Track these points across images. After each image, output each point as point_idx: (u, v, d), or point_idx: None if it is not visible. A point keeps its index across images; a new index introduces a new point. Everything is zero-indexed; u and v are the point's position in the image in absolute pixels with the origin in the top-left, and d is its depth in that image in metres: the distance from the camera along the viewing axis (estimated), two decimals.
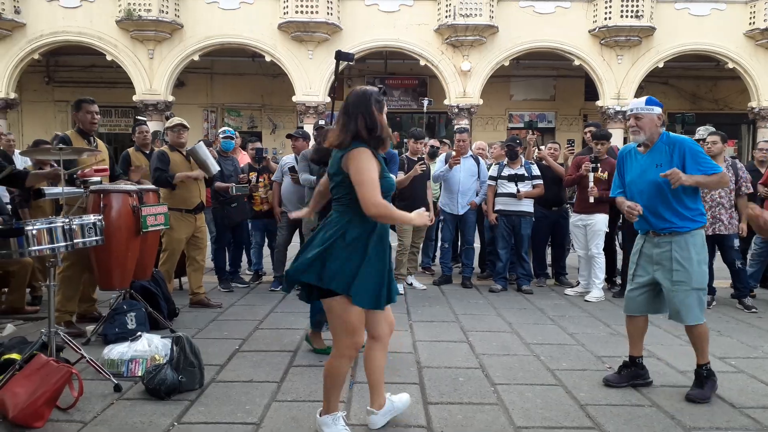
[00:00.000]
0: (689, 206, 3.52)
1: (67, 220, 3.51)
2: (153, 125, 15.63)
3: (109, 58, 17.64)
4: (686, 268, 3.46)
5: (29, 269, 5.46)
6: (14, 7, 16.96)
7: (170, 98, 18.05)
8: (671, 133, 3.65)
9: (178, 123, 5.69)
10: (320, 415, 2.93)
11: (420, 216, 2.79)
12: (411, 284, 6.84)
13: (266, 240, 7.19)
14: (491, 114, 20.25)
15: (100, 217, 3.88)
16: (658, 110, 3.59)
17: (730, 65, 17.95)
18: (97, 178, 4.25)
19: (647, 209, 3.57)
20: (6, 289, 5.50)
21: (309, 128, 13.96)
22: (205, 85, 20.51)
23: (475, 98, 17.96)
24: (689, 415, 3.25)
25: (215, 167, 5.67)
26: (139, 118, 17.96)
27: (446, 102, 18.19)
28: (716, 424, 3.15)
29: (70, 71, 19.79)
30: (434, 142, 8.79)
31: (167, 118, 9.50)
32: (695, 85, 20.45)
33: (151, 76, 17.70)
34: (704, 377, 3.55)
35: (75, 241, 3.60)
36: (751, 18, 17.52)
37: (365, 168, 2.62)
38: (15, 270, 5.27)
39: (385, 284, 2.80)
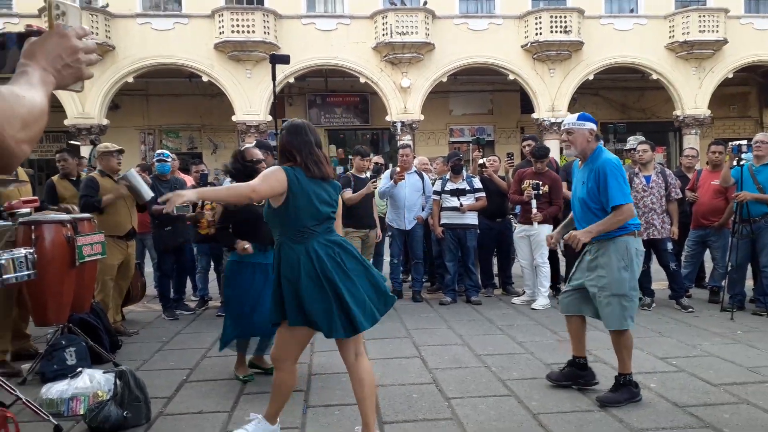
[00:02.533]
0: None
1: None
2: (86, 150, 15.13)
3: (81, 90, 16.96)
4: (606, 275, 3.59)
5: None
6: None
7: (105, 121, 17.52)
8: (605, 150, 3.74)
9: (118, 149, 5.53)
10: None
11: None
12: None
13: (212, 264, 7.02)
14: (432, 129, 20.59)
15: (31, 250, 3.70)
16: (590, 125, 3.69)
17: (654, 76, 18.92)
18: (26, 210, 4.05)
19: (578, 221, 3.78)
20: None
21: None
22: (141, 107, 20.00)
23: (416, 114, 18.22)
24: (636, 417, 3.35)
25: (149, 194, 5.52)
26: (72, 142, 17.37)
27: (388, 118, 18.37)
28: (661, 424, 3.26)
29: None
30: (378, 158, 8.83)
31: (92, 143, 9.13)
32: (624, 96, 21.43)
33: (83, 99, 17.13)
34: (620, 384, 3.62)
35: (5, 276, 3.42)
36: (670, 32, 18.56)
37: None
38: None
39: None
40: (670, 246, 6.29)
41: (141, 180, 5.45)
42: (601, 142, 3.82)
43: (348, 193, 6.52)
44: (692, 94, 18.81)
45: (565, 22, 17.87)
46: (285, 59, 5.59)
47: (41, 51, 1.14)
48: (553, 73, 18.45)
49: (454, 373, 4.25)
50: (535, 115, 18.77)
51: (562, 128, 3.82)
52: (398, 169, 6.99)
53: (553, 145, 16.58)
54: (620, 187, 3.54)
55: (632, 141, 7.21)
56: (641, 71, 19.23)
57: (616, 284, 3.57)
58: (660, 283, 6.71)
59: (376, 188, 6.68)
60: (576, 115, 3.81)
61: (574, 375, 3.89)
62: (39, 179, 16.61)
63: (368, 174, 7.06)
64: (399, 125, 18.10)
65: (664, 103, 20.10)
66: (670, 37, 18.59)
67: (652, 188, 6.25)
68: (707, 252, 6.80)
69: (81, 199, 5.26)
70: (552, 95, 18.48)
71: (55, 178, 5.94)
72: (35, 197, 4.43)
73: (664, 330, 5.37)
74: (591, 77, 18.77)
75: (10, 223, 4.02)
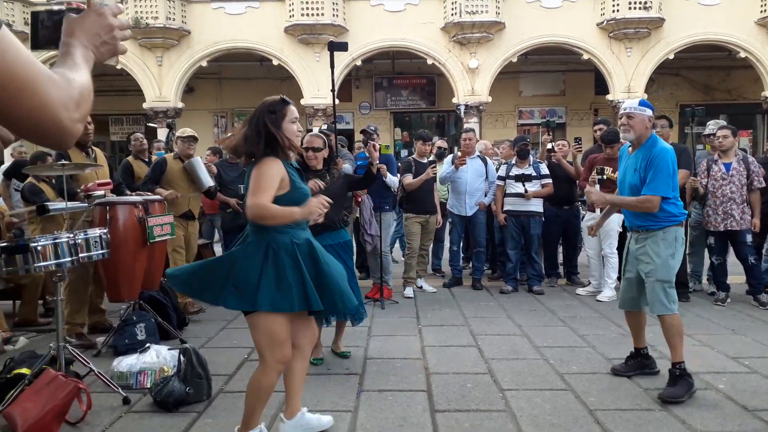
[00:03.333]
0: (663, 208, 3.62)
1: (71, 234, 3.54)
2: (163, 132, 15.79)
3: (118, 66, 17.75)
4: (654, 261, 3.64)
5: (41, 282, 5.51)
6: (24, 18, 17.16)
7: (180, 104, 18.17)
8: (659, 139, 3.74)
9: (190, 135, 5.73)
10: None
11: (305, 209, 2.69)
12: (421, 287, 6.82)
13: None
14: (501, 111, 20.14)
15: (105, 230, 3.91)
16: (649, 112, 3.72)
17: (742, 54, 17.69)
18: (100, 192, 4.27)
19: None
20: (19, 302, 5.56)
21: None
22: (214, 91, 20.60)
23: (484, 95, 17.86)
24: (700, 419, 3.20)
25: (208, 182, 5.69)
26: (149, 125, 18.17)
27: (454, 100, 18.12)
28: (727, 427, 3.10)
29: None
30: (441, 143, 8.75)
31: (169, 126, 9.51)
32: (707, 76, 20.18)
33: (160, 83, 17.83)
34: (677, 376, 3.55)
35: (81, 255, 3.63)
36: (762, 6, 17.26)
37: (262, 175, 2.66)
38: (26, 283, 5.33)
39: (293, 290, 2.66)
40: (749, 238, 5.91)
41: (203, 168, 5.63)
42: (655, 130, 3.85)
43: (408, 178, 6.51)
44: None
45: None
46: (343, 47, 5.58)
47: (80, 29, 1.22)
48: (630, 52, 17.58)
49: (511, 364, 4.19)
50: (609, 97, 18.00)
51: (622, 111, 3.77)
52: (459, 153, 6.88)
53: None
54: (669, 181, 3.57)
55: (712, 126, 6.76)
56: (727, 49, 18.02)
57: (663, 270, 3.62)
58: (736, 277, 6.35)
59: (436, 173, 6.62)
60: (637, 100, 3.85)
61: (640, 364, 3.94)
62: (119, 160, 17.49)
63: (430, 158, 7.01)
64: (462, 108, 17.81)
65: (753, 83, 18.77)
66: (761, 11, 17.28)
67: (732, 176, 5.89)
68: None
69: (145, 177, 5.57)
70: (628, 76, 17.64)
71: (130, 158, 6.25)
72: (109, 180, 4.67)
73: (738, 327, 5.08)
74: (671, 56, 17.75)
75: (86, 204, 4.25)
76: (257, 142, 2.71)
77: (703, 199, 6.06)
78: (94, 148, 5.10)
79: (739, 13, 17.30)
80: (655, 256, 3.63)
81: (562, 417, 3.27)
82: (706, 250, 6.38)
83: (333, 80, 5.77)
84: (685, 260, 6.34)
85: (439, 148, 8.23)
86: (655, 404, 3.43)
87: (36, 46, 1.32)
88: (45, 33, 1.31)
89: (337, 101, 19.69)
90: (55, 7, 1.34)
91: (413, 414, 3.33)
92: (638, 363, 3.94)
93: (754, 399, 3.48)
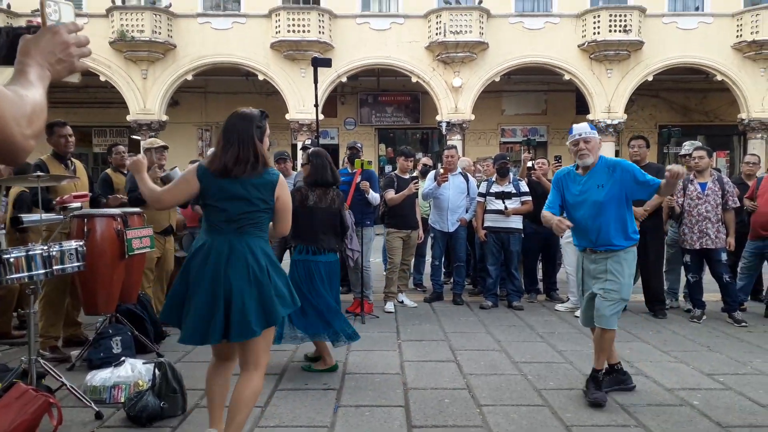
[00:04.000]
0: (629, 225, 3.81)
1: (45, 246, 3.49)
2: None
3: (102, 78, 17.72)
4: (619, 281, 3.78)
5: (16, 293, 5.42)
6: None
7: (164, 117, 18.12)
8: (604, 156, 3.93)
9: (161, 145, 5.70)
10: None
11: None
12: (402, 302, 6.81)
13: None
14: (483, 129, 20.36)
15: (81, 243, 3.86)
16: (599, 135, 4.02)
17: (719, 77, 18.12)
18: (76, 204, 4.23)
19: (589, 228, 3.85)
20: None
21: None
22: (199, 104, 20.58)
23: (467, 114, 18.06)
24: None
25: None
26: (133, 137, 18.06)
27: (438, 118, 18.28)
28: None
29: (63, 92, 19.81)
30: (426, 160, 8.81)
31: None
32: (685, 98, 20.61)
33: (145, 95, 17.78)
34: (599, 381, 3.80)
35: (55, 267, 3.58)
36: (738, 30, 17.73)
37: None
38: (1, 294, 5.24)
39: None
40: (724, 257, 6.01)
41: None
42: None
43: (390, 194, 6.54)
44: (759, 96, 17.92)
45: (625, 20, 17.34)
46: (327, 62, 5.65)
47: (35, 48, 1.23)
48: (611, 73, 17.94)
49: (489, 380, 4.20)
50: (590, 116, 18.28)
51: (578, 137, 3.87)
52: (442, 170, 6.93)
53: (607, 148, 16.15)
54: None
55: (687, 146, 6.89)
56: (705, 72, 18.46)
57: (625, 289, 3.79)
58: (712, 294, 6.44)
59: (418, 189, 6.66)
60: (585, 124, 4.00)
61: (618, 380, 3.98)
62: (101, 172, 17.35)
63: (412, 174, 7.05)
64: (444, 125, 17.97)
65: (729, 105, 19.22)
66: (737, 36, 17.76)
67: (708, 196, 5.99)
68: (766, 264, 6.47)
69: (129, 193, 5.47)
70: (609, 96, 17.97)
71: (109, 170, 6.19)
72: (86, 192, 4.62)
73: (713, 344, 5.15)
74: (650, 78, 18.14)
75: (61, 217, 4.20)
76: (257, 159, 2.69)
77: (680, 218, 6.16)
78: (73, 159, 5.06)
79: (716, 37, 17.76)
80: (619, 276, 3.79)
81: None
82: (682, 267, 6.46)
83: (316, 96, 5.82)
84: (662, 277, 6.45)
85: (424, 165, 8.31)
86: (632, 420, 3.45)
87: None
88: (2, 52, 1.32)
89: (321, 117, 19.72)
90: (14, 26, 1.36)
91: (390, 430, 3.31)
92: (614, 379, 3.97)
93: (728, 415, 3.52)
